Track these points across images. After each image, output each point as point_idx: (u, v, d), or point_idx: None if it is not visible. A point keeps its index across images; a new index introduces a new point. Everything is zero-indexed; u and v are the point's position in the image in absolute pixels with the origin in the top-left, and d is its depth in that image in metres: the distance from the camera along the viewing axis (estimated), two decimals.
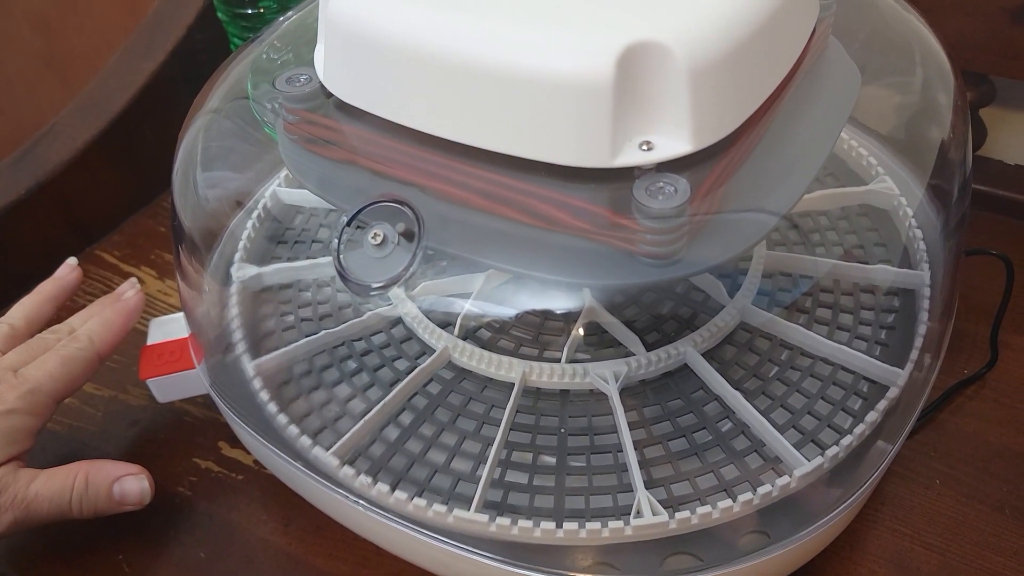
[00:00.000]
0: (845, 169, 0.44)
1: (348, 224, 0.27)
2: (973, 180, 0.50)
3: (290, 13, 0.43)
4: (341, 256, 0.27)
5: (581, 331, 0.36)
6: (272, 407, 0.35)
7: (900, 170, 0.42)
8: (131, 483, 0.35)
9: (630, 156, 0.27)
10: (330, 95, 0.32)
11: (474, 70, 0.27)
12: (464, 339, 0.36)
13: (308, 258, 0.43)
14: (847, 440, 0.32)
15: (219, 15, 0.53)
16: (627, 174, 0.28)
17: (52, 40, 0.93)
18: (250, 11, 0.51)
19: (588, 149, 0.27)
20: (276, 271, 0.41)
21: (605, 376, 0.35)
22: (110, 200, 0.53)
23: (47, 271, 0.50)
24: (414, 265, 0.26)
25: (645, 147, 0.27)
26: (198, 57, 0.55)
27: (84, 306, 0.48)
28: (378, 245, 0.27)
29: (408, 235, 0.27)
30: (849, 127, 0.44)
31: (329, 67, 0.31)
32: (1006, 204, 0.49)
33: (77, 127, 0.51)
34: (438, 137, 0.29)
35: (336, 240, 0.27)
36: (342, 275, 0.27)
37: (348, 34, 0.30)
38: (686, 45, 0.26)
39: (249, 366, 0.36)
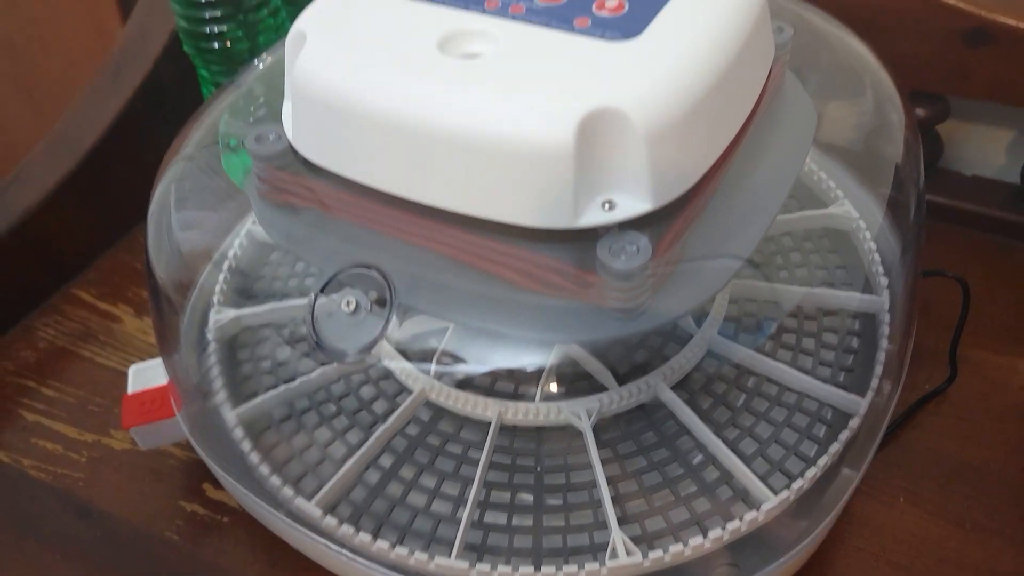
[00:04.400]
0: (807, 192, 0.45)
1: (321, 291, 0.28)
2: (933, 192, 0.52)
3: (265, 56, 0.43)
4: (315, 323, 0.28)
5: (554, 368, 0.37)
6: (254, 457, 0.35)
7: (860, 193, 0.43)
8: None
9: (593, 216, 0.28)
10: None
11: (440, 136, 0.28)
12: (440, 378, 0.37)
13: (285, 296, 0.43)
14: (811, 472, 0.33)
15: (185, 49, 0.53)
16: (591, 232, 0.28)
17: (18, 61, 0.92)
18: (216, 45, 0.52)
19: (552, 211, 0.28)
20: (253, 314, 0.41)
21: (579, 413, 0.36)
22: (84, 238, 0.53)
23: (23, 313, 0.51)
24: (387, 330, 0.27)
25: (607, 206, 0.28)
26: (166, 90, 0.55)
27: (62, 347, 0.49)
28: (351, 313, 0.28)
29: (380, 301, 0.28)
30: (811, 149, 0.45)
31: (296, 127, 0.32)
32: (964, 215, 0.51)
33: (46, 168, 0.51)
34: (407, 198, 0.30)
35: (309, 308, 0.28)
36: (318, 344, 0.28)
37: (314, 97, 0.30)
38: (642, 111, 0.27)
39: (230, 415, 0.37)
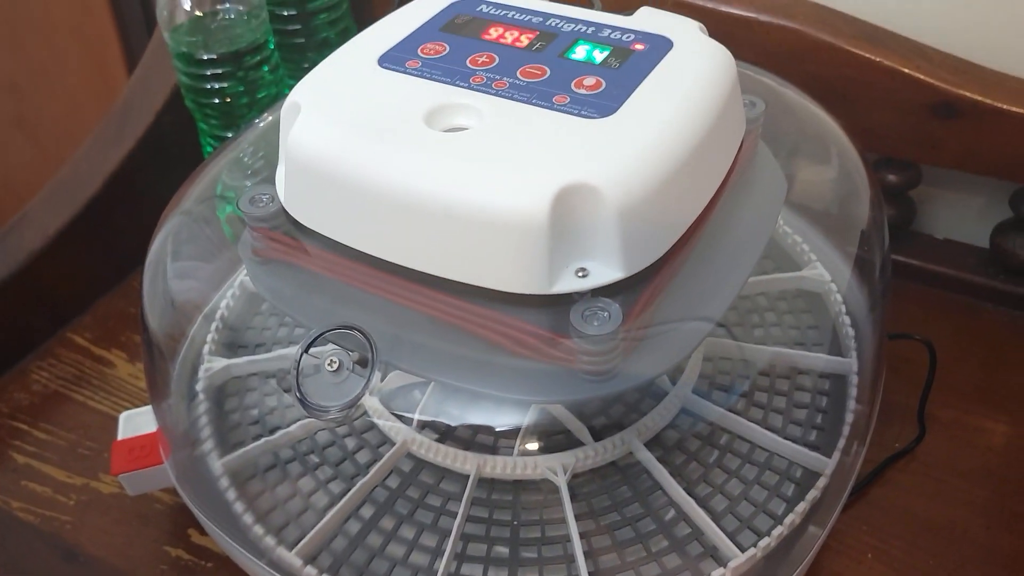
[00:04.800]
0: (783, 254, 0.47)
1: (305, 351, 0.29)
2: (906, 254, 0.53)
3: (266, 115, 0.45)
4: (300, 381, 0.29)
5: (532, 424, 0.39)
6: (238, 506, 0.37)
7: (833, 256, 0.45)
8: None
9: (567, 283, 0.30)
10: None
11: (424, 206, 0.30)
12: (422, 430, 0.38)
13: (275, 344, 0.45)
14: (778, 530, 0.35)
15: (187, 103, 0.55)
16: (566, 298, 0.30)
17: (22, 102, 0.94)
18: (216, 100, 0.54)
19: (528, 278, 0.29)
20: (242, 364, 0.43)
21: (555, 468, 0.37)
22: (82, 283, 0.54)
23: (18, 356, 0.52)
24: (368, 389, 0.28)
25: (581, 274, 0.30)
26: (167, 141, 0.57)
27: (55, 390, 0.50)
28: (334, 371, 0.29)
29: (362, 361, 0.29)
30: (787, 212, 0.47)
31: (289, 191, 0.34)
32: (936, 277, 0.52)
33: (49, 214, 0.52)
34: (392, 262, 0.31)
35: (295, 366, 0.29)
36: (301, 400, 0.29)
37: (306, 165, 0.32)
38: (614, 187, 0.29)
39: (216, 464, 0.38)
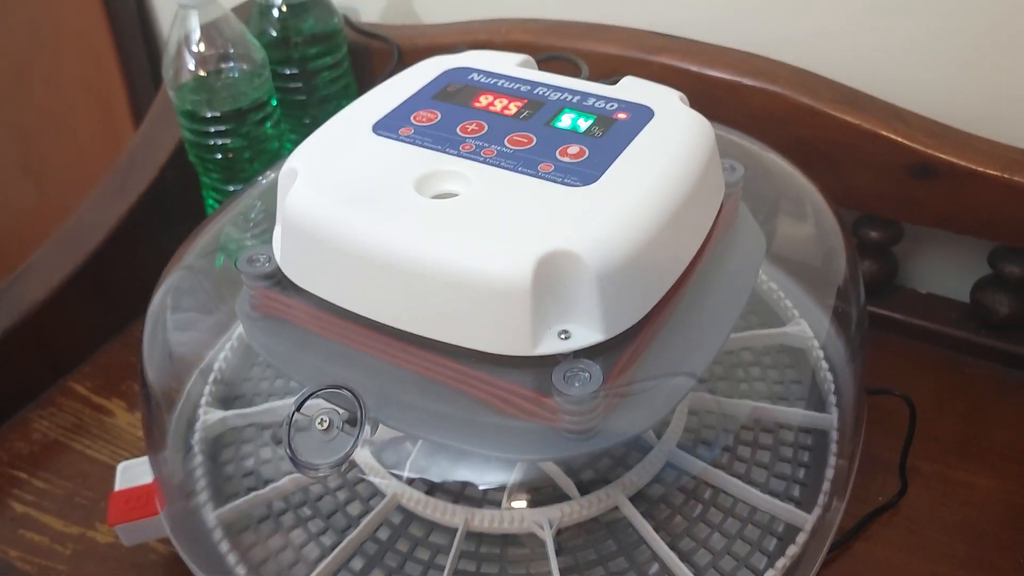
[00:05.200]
0: (767, 309, 0.48)
1: (297, 409, 0.30)
2: (889, 308, 0.55)
3: (269, 172, 0.46)
4: (291, 439, 0.30)
5: (519, 477, 0.39)
6: (231, 558, 0.37)
7: (817, 313, 0.46)
8: None
9: (549, 345, 0.31)
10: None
11: (413, 271, 0.31)
12: (411, 483, 0.39)
13: (271, 395, 0.46)
14: None
15: (190, 158, 0.57)
16: (549, 359, 0.31)
17: (29, 150, 0.96)
18: (219, 156, 0.55)
19: (513, 340, 0.31)
20: (238, 415, 0.44)
21: (541, 523, 0.38)
22: (83, 333, 0.55)
23: (19, 405, 0.53)
24: (357, 447, 0.30)
25: (563, 336, 0.31)
26: (170, 195, 0.59)
27: (55, 439, 0.51)
28: (324, 430, 0.30)
29: (352, 420, 0.30)
30: (771, 269, 0.48)
31: (285, 252, 0.35)
32: (918, 331, 0.54)
33: (52, 266, 0.54)
34: (383, 323, 0.32)
35: (286, 424, 0.30)
36: (292, 458, 0.30)
37: (301, 228, 0.33)
38: (594, 253, 0.30)
39: (210, 516, 0.39)
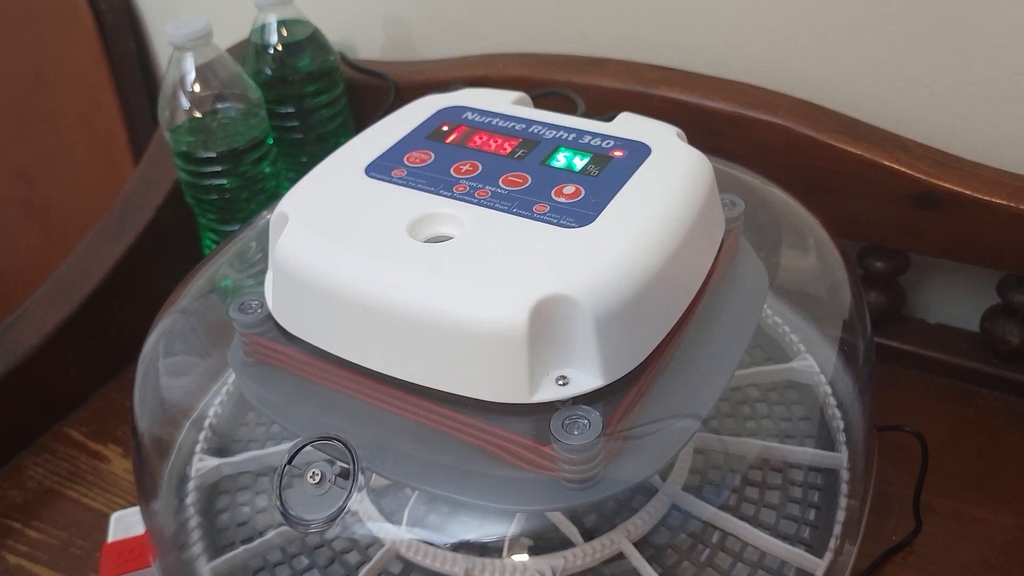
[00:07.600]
0: (773, 344, 0.47)
1: (288, 463, 0.29)
2: (898, 339, 0.54)
3: (266, 213, 0.46)
4: (282, 493, 0.29)
5: (520, 526, 0.38)
6: None
7: (823, 348, 0.45)
8: None
9: (547, 392, 0.30)
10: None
11: (406, 318, 0.30)
12: (411, 529, 0.38)
13: (268, 441, 0.45)
14: None
15: (187, 199, 0.56)
16: (547, 406, 0.30)
17: (31, 188, 0.96)
18: (215, 196, 0.55)
19: (509, 387, 0.30)
20: (232, 463, 0.43)
21: (544, 571, 0.37)
22: (79, 378, 0.55)
23: (14, 452, 0.52)
24: (350, 502, 0.29)
25: (561, 382, 0.30)
26: (166, 235, 0.58)
27: (50, 487, 0.50)
28: (316, 484, 0.29)
29: (344, 474, 0.29)
30: (776, 303, 0.47)
31: (276, 299, 0.34)
32: (928, 362, 0.52)
33: (48, 310, 0.53)
34: (376, 371, 0.31)
35: (277, 479, 0.29)
36: (283, 514, 0.29)
37: (292, 275, 0.33)
38: (591, 297, 0.29)
39: (204, 569, 0.38)
